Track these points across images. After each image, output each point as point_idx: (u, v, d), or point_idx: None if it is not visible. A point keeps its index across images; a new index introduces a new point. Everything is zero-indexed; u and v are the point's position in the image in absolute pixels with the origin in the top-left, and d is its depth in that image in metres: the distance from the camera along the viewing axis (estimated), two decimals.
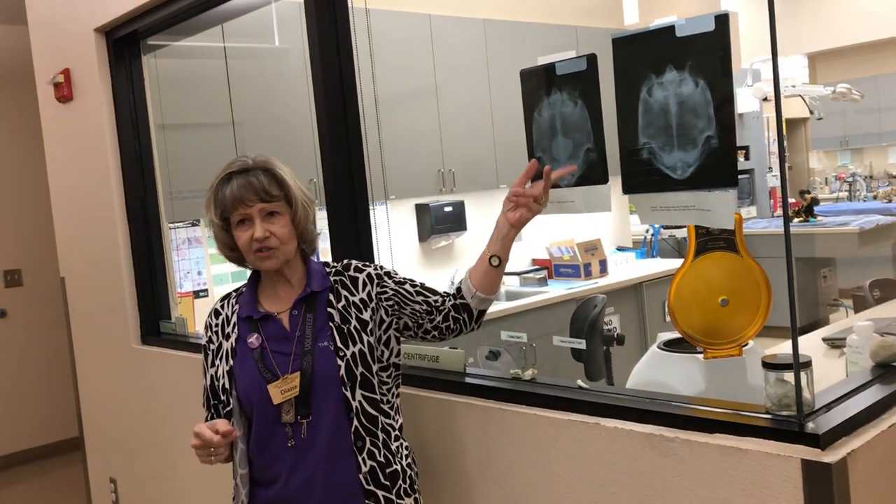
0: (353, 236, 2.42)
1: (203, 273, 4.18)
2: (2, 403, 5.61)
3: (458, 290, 1.87)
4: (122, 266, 3.39)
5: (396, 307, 1.86)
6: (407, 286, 1.88)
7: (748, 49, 6.86)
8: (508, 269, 5.58)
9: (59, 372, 5.55)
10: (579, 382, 1.91)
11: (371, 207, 2.44)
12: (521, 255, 5.31)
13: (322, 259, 2.00)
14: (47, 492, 5.10)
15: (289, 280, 1.85)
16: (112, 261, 3.45)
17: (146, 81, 3.40)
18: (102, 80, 3.35)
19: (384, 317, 1.86)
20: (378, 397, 1.81)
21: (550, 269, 5.21)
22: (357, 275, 1.87)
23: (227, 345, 1.84)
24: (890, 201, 8.25)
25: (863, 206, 8.22)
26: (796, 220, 6.61)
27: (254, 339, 1.80)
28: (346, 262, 1.92)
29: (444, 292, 1.90)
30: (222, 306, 1.91)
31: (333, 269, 1.90)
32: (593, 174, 1.81)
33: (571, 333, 3.38)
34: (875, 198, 8.82)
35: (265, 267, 1.80)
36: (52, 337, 5.58)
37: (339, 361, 1.77)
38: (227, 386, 1.81)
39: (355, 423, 1.77)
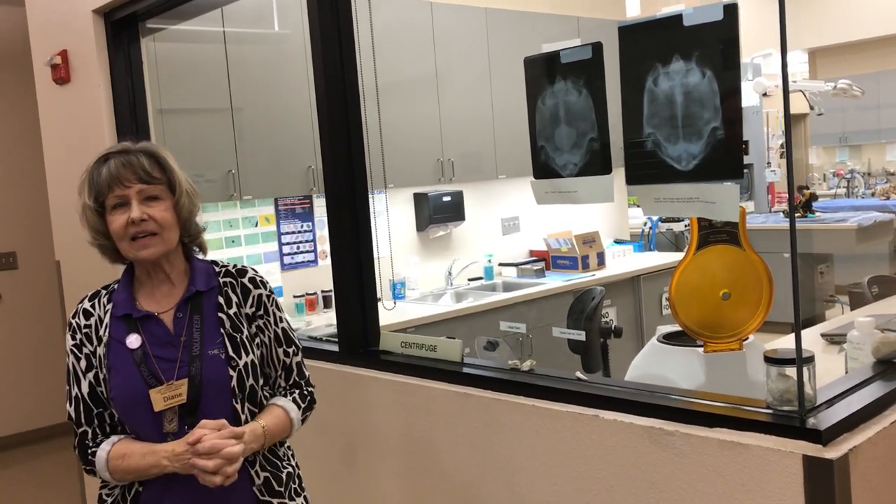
0: (352, 224, 2.40)
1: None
2: None
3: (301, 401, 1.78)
4: None
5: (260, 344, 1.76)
6: (279, 352, 1.77)
7: (748, 44, 6.85)
8: (505, 260, 5.55)
9: (53, 355, 5.53)
10: (578, 374, 1.90)
11: (370, 195, 2.42)
12: (518, 247, 5.31)
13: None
14: (41, 475, 5.08)
15: (168, 276, 1.72)
16: None
17: (145, 65, 3.36)
18: (100, 62, 3.32)
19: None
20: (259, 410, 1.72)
21: (548, 260, 5.20)
22: (251, 287, 1.75)
23: (101, 349, 1.68)
24: (888, 198, 8.27)
25: (860, 202, 8.23)
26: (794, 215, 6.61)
27: (133, 340, 1.66)
28: (240, 267, 1.79)
29: (294, 389, 1.79)
30: (93, 306, 1.73)
31: (223, 270, 1.77)
32: (596, 164, 1.80)
33: (569, 325, 3.36)
34: (873, 195, 8.84)
35: (141, 256, 1.65)
36: (47, 320, 5.56)
37: (231, 371, 1.66)
38: (106, 394, 1.67)
39: None
